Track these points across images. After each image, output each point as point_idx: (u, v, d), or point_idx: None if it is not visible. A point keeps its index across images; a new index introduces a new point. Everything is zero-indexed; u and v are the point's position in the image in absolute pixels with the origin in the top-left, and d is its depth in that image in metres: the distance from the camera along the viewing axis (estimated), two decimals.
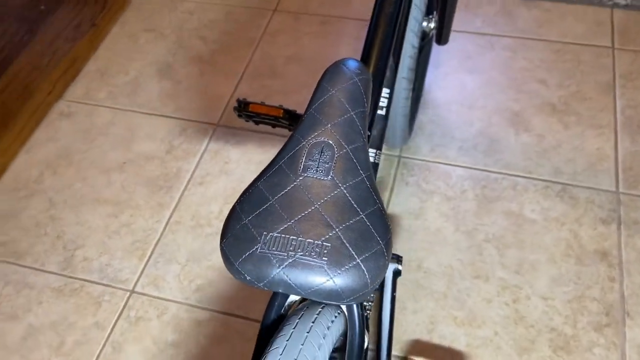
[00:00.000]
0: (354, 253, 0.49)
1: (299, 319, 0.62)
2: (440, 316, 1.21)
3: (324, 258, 0.49)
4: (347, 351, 0.69)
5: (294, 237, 0.50)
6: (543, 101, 1.57)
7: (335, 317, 0.68)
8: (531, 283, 1.25)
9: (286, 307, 0.71)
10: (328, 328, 0.64)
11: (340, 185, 0.52)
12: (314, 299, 0.50)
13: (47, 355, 1.23)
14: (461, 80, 1.64)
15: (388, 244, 0.52)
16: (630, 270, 1.25)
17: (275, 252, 0.49)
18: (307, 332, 0.60)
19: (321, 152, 0.54)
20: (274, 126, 0.98)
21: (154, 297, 1.30)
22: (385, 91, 0.93)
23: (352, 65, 0.60)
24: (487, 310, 1.22)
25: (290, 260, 0.49)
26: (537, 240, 1.31)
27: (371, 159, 0.92)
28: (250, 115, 0.91)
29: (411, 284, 1.27)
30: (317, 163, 0.53)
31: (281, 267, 0.49)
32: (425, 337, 1.19)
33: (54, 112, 1.68)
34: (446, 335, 1.19)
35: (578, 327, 1.19)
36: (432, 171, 1.46)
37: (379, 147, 0.94)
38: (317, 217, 0.51)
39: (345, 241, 0.50)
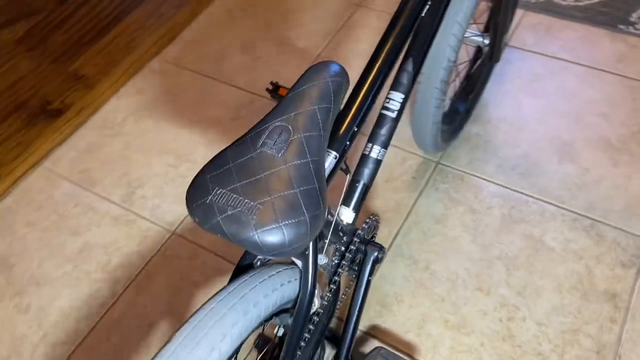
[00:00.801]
0: (279, 218, 0.61)
1: (249, 277, 0.75)
2: (433, 316, 1.29)
3: (254, 217, 0.61)
4: (295, 309, 0.80)
5: (237, 196, 0.62)
6: (599, 135, 1.56)
7: (289, 282, 0.80)
8: (530, 306, 1.28)
9: (256, 263, 0.84)
10: (274, 290, 0.75)
11: (286, 162, 0.64)
12: (242, 247, 0.62)
13: (94, 268, 1.45)
14: (519, 101, 1.66)
15: (315, 218, 0.63)
16: (635, 316, 1.24)
17: (220, 205, 0.62)
18: (250, 290, 0.72)
19: (280, 134, 0.65)
20: None
21: (190, 241, 1.48)
22: (398, 95, 1.01)
23: (332, 67, 0.71)
24: (479, 321, 1.27)
25: (229, 213, 0.61)
26: (549, 267, 1.33)
27: (374, 155, 1.02)
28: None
29: (415, 281, 1.34)
30: (274, 142, 0.65)
31: (220, 216, 0.61)
32: (413, 331, 1.27)
33: (147, 68, 1.92)
34: (433, 335, 1.26)
35: (565, 357, 1.21)
36: (464, 182, 1.51)
37: (384, 146, 1.04)
38: (260, 185, 0.63)
39: (275, 207, 0.61)
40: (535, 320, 1.26)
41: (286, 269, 0.81)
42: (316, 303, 0.83)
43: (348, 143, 0.83)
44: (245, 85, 1.82)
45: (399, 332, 1.27)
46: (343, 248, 0.96)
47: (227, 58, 1.91)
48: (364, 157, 1.02)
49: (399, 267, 1.37)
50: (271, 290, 0.75)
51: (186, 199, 0.64)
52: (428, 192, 1.50)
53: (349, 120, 0.84)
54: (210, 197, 0.63)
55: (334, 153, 0.83)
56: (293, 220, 0.62)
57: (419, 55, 1.02)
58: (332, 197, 1.08)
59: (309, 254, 0.79)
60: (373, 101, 0.87)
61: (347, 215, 1.00)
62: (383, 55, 0.88)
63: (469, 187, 1.50)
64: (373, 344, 1.26)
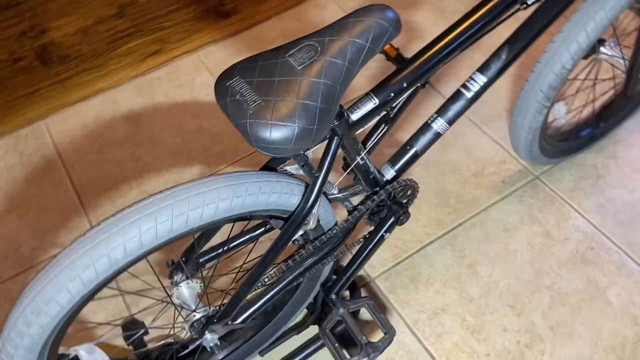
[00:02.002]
0: (270, 117, 0.69)
1: (258, 171, 0.85)
2: (453, 310, 1.28)
3: (252, 109, 0.70)
4: (290, 217, 0.89)
5: (249, 88, 0.71)
6: None
7: (292, 194, 0.87)
8: (556, 345, 1.21)
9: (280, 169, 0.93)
10: (274, 192, 0.83)
11: (302, 76, 0.71)
12: (237, 129, 0.72)
13: (197, 148, 1.66)
14: None
15: (303, 130, 0.70)
16: None
17: (234, 89, 0.72)
18: (251, 179, 0.81)
19: (308, 51, 0.72)
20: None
21: None
22: (481, 78, 1.01)
23: (386, 12, 0.75)
24: (496, 334, 1.24)
25: (236, 98, 0.71)
26: (597, 319, 1.24)
27: (435, 127, 1.04)
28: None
29: (453, 273, 1.34)
30: (300, 56, 0.72)
31: (230, 98, 0.72)
32: (427, 314, 1.28)
33: (310, 0, 2.05)
34: (444, 326, 1.26)
35: None
36: (554, 205, 1.43)
37: (449, 122, 1.05)
38: (271, 86, 0.71)
39: (273, 107, 0.69)
40: (554, 358, 1.20)
41: (295, 183, 0.89)
42: (310, 222, 0.90)
43: (392, 95, 0.87)
44: None
45: (413, 308, 1.29)
46: (371, 196, 1.00)
47: None
48: (425, 126, 1.04)
49: (444, 254, 1.37)
50: (270, 190, 0.84)
51: (219, 76, 0.75)
52: (510, 200, 1.45)
53: (401, 75, 0.87)
54: (230, 82, 0.73)
55: (375, 99, 0.87)
56: (282, 124, 0.69)
57: (518, 46, 1.00)
58: (380, 152, 1.08)
59: (318, 176, 0.86)
60: (434, 66, 0.88)
61: (387, 172, 1.04)
62: (466, 24, 0.88)
63: (556, 211, 1.42)
64: (382, 302, 1.30)
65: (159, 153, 1.65)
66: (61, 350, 0.90)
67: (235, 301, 0.93)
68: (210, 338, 0.95)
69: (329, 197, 0.98)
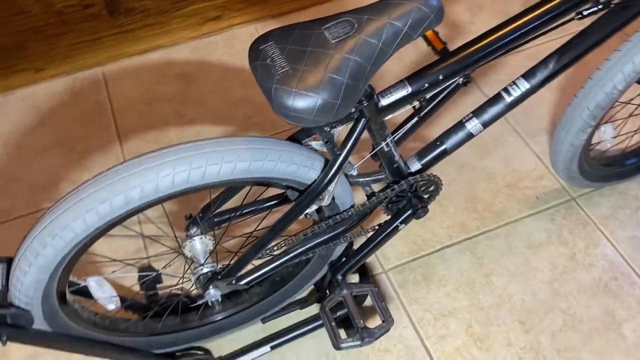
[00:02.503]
0: (295, 85, 0.70)
1: (283, 141, 0.86)
2: (461, 316, 1.26)
3: (280, 75, 0.71)
4: (306, 190, 0.90)
5: (280, 54, 0.72)
6: None
7: (312, 169, 0.88)
8: None
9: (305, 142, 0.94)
10: (293, 163, 0.85)
11: (334, 49, 0.72)
12: (264, 94, 0.73)
13: (242, 117, 1.70)
14: None
15: (325, 104, 0.71)
16: None
17: (266, 54, 0.73)
18: (272, 148, 0.83)
19: (344, 27, 0.73)
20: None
21: None
22: (523, 84, 0.98)
23: (431, 0, 0.74)
24: (500, 347, 1.22)
25: (266, 62, 0.72)
26: (607, 350, 1.20)
27: (469, 127, 1.02)
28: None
29: (467, 278, 1.32)
30: (336, 30, 0.73)
31: (260, 62, 0.73)
32: (433, 314, 1.27)
33: None
34: (449, 329, 1.25)
35: None
36: (586, 230, 1.38)
37: (484, 124, 1.03)
38: (302, 55, 0.72)
39: (300, 76, 0.71)
40: None
41: (317, 158, 0.90)
42: (325, 198, 0.91)
43: (426, 85, 0.87)
44: None
45: (421, 306, 1.28)
46: (392, 185, 1.00)
47: None
48: (459, 124, 1.03)
49: (463, 258, 1.35)
50: (290, 161, 0.86)
51: (255, 39, 0.77)
52: (540, 217, 1.42)
53: (439, 67, 0.87)
54: (264, 46, 0.74)
55: (409, 87, 0.87)
56: (306, 93, 0.70)
57: (567, 57, 0.97)
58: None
59: (340, 154, 0.87)
60: (473, 63, 0.87)
61: (413, 164, 1.04)
62: (514, 25, 0.86)
63: (586, 236, 1.37)
64: (390, 294, 1.30)
65: (203, 114, 1.69)
66: (72, 278, 0.94)
67: (241, 263, 0.95)
68: (213, 293, 0.98)
69: (350, 179, 0.99)
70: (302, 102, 0.71)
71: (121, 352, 1.04)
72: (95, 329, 1.02)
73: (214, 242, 1.02)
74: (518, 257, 1.35)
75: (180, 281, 1.07)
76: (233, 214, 1.03)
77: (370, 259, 1.36)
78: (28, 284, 0.81)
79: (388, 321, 1.01)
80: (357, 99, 0.75)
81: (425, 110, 1.07)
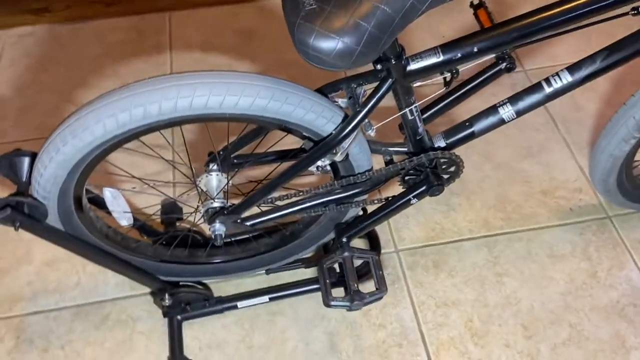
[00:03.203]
0: (319, 24, 0.71)
1: (307, 89, 0.87)
2: (463, 309, 1.24)
3: (306, 11, 0.72)
4: (321, 141, 0.91)
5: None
6: None
7: (330, 121, 0.88)
8: None
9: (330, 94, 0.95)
10: (311, 111, 0.86)
11: None
12: (287, 28, 0.74)
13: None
14: None
15: (346, 48, 0.71)
16: None
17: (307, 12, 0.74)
18: (294, 92, 0.84)
19: None
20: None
21: None
22: (566, 77, 0.95)
23: None
24: (497, 346, 1.19)
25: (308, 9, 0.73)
26: None
27: (501, 113, 1.00)
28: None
29: (478, 274, 1.29)
30: None
31: (300, 16, 0.74)
32: (435, 302, 1.26)
33: None
34: (448, 318, 1.23)
35: None
36: (615, 251, 1.32)
37: (517, 113, 1.00)
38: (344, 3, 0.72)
39: (324, 15, 0.71)
40: None
41: (337, 113, 0.90)
42: (338, 154, 0.91)
43: (459, 56, 0.85)
44: None
45: (425, 291, 1.27)
46: (412, 156, 1.00)
47: None
48: (492, 108, 1.01)
49: (478, 254, 1.33)
50: (310, 108, 0.87)
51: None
52: (569, 229, 1.36)
53: (475, 39, 0.85)
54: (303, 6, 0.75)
55: (440, 55, 0.86)
56: (327, 34, 0.71)
57: (617, 56, 0.93)
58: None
59: (360, 111, 0.87)
60: (511, 41, 0.85)
61: (438, 141, 1.03)
62: (563, 7, 0.83)
63: (613, 257, 1.31)
64: (398, 274, 1.29)
65: (252, 69, 1.72)
66: (89, 186, 0.99)
67: (248, 203, 0.98)
68: (218, 227, 1.01)
69: (372, 146, 0.99)
70: (322, 43, 0.71)
71: (127, 268, 1.09)
72: (106, 241, 1.07)
73: (230, 181, 1.05)
74: (536, 264, 1.31)
75: (194, 213, 1.10)
76: (251, 159, 1.05)
77: (385, 236, 1.36)
78: (47, 177, 0.86)
79: (381, 290, 1.01)
80: (379, 51, 0.75)
81: (461, 91, 1.06)
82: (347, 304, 0.99)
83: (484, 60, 1.00)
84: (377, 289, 1.01)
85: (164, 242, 1.18)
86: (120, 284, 1.30)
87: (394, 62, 0.82)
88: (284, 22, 0.77)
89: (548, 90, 0.97)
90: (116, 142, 0.85)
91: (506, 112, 1.00)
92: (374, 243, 1.31)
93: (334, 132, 0.89)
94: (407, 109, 0.92)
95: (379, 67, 0.84)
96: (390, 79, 0.86)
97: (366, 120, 0.89)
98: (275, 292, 1.24)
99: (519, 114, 0.99)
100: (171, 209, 1.26)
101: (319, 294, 1.25)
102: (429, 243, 1.35)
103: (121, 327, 1.24)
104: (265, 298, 1.23)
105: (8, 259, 1.35)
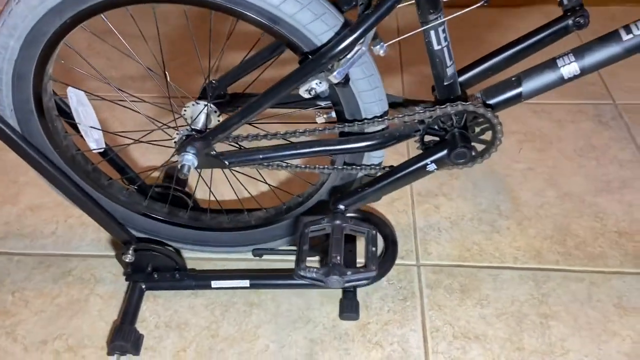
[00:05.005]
0: None
1: None
2: (490, 346, 0.95)
3: None
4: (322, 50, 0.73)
5: None
6: None
7: (322, 21, 0.71)
8: None
9: None
10: (302, 5, 0.69)
11: None
12: None
13: None
14: None
15: None
16: None
17: None
18: None
19: None
20: None
21: None
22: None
23: None
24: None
25: None
26: None
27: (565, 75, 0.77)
28: None
29: (517, 311, 1.01)
30: None
31: None
32: (454, 330, 0.98)
33: None
34: (467, 354, 0.94)
35: None
36: None
37: (584, 69, 0.77)
38: None
39: None
40: None
41: (342, 22, 0.73)
42: (335, 72, 0.72)
43: None
44: None
45: (443, 315, 1.00)
46: (437, 105, 0.79)
47: None
48: (550, 62, 0.80)
49: (521, 287, 1.04)
50: (307, 5, 0.70)
51: None
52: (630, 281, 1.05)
53: None
54: None
55: None
56: None
57: None
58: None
59: (368, 15, 0.70)
60: None
61: (476, 101, 0.81)
62: None
63: None
64: (414, 290, 1.03)
65: None
66: (52, 87, 0.86)
67: (225, 125, 0.80)
68: (188, 157, 0.83)
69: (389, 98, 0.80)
70: None
71: (93, 207, 0.93)
72: (72, 166, 0.93)
73: (219, 117, 0.89)
74: (596, 312, 1.00)
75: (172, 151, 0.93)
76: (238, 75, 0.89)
77: (407, 244, 1.12)
78: None
79: (369, 270, 0.77)
80: None
81: (514, 49, 0.85)
82: (321, 277, 0.76)
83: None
84: (364, 266, 0.78)
85: (140, 190, 1.02)
86: (96, 242, 1.15)
87: None
88: None
89: (627, 39, 0.74)
90: (74, 14, 0.73)
91: (568, 67, 0.77)
92: (391, 248, 1.07)
93: (332, 40, 0.71)
94: (430, 26, 0.72)
95: None
96: None
97: (375, 36, 0.71)
98: (258, 278, 1.03)
99: (584, 71, 0.76)
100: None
101: (310, 291, 1.04)
102: (460, 263, 1.09)
103: (80, 285, 1.07)
104: (246, 282, 1.02)
105: None
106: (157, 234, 1.04)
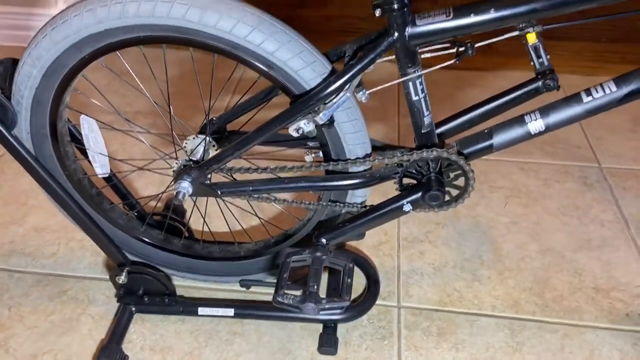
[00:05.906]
0: None
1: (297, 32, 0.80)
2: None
3: None
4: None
5: None
6: None
7: (312, 70, 0.79)
8: None
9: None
10: (293, 53, 0.78)
11: None
12: None
13: None
14: None
15: None
16: None
17: None
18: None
19: None
20: None
21: None
22: (610, 85, 0.79)
23: None
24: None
25: None
26: None
27: (529, 126, 0.84)
28: None
29: (491, 356, 1.04)
30: None
31: None
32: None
33: None
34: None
35: None
36: None
37: (549, 127, 0.84)
38: None
39: None
40: None
41: (329, 70, 0.81)
42: (320, 114, 0.79)
43: (472, 17, 0.74)
44: None
45: (418, 357, 1.03)
46: (415, 150, 0.86)
47: None
48: (518, 119, 0.87)
49: (497, 335, 1.08)
50: (298, 54, 0.79)
51: None
52: (621, 336, 1.08)
53: (495, 3, 0.74)
54: None
55: (451, 14, 0.75)
56: None
57: None
58: None
59: (352, 65, 0.78)
60: (543, 10, 0.72)
61: (450, 149, 0.89)
62: None
63: None
64: (392, 330, 1.06)
65: None
66: (67, 115, 0.95)
67: (220, 157, 0.88)
68: (184, 185, 0.90)
69: (372, 142, 0.87)
70: None
71: (94, 228, 1.00)
72: (78, 189, 1.00)
73: (216, 149, 0.97)
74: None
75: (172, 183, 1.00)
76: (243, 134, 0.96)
77: (389, 286, 1.16)
78: (22, 76, 0.84)
79: (343, 300, 0.82)
80: None
81: (489, 106, 0.92)
82: (298, 304, 0.81)
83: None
84: (339, 297, 0.82)
85: (140, 217, 1.09)
86: (93, 265, 1.21)
87: (396, 8, 0.73)
88: None
89: (587, 102, 0.81)
90: (92, 51, 0.82)
91: (534, 124, 0.84)
92: (373, 287, 1.12)
93: (320, 85, 0.79)
94: (408, 78, 0.80)
95: (377, 13, 0.75)
96: (390, 37, 0.76)
97: (360, 84, 0.79)
98: (242, 308, 1.07)
99: (549, 128, 0.83)
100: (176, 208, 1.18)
101: (293, 324, 1.08)
102: (440, 308, 1.13)
103: (74, 305, 1.12)
104: (230, 311, 1.07)
105: (4, 217, 1.32)
106: (151, 259, 1.09)
